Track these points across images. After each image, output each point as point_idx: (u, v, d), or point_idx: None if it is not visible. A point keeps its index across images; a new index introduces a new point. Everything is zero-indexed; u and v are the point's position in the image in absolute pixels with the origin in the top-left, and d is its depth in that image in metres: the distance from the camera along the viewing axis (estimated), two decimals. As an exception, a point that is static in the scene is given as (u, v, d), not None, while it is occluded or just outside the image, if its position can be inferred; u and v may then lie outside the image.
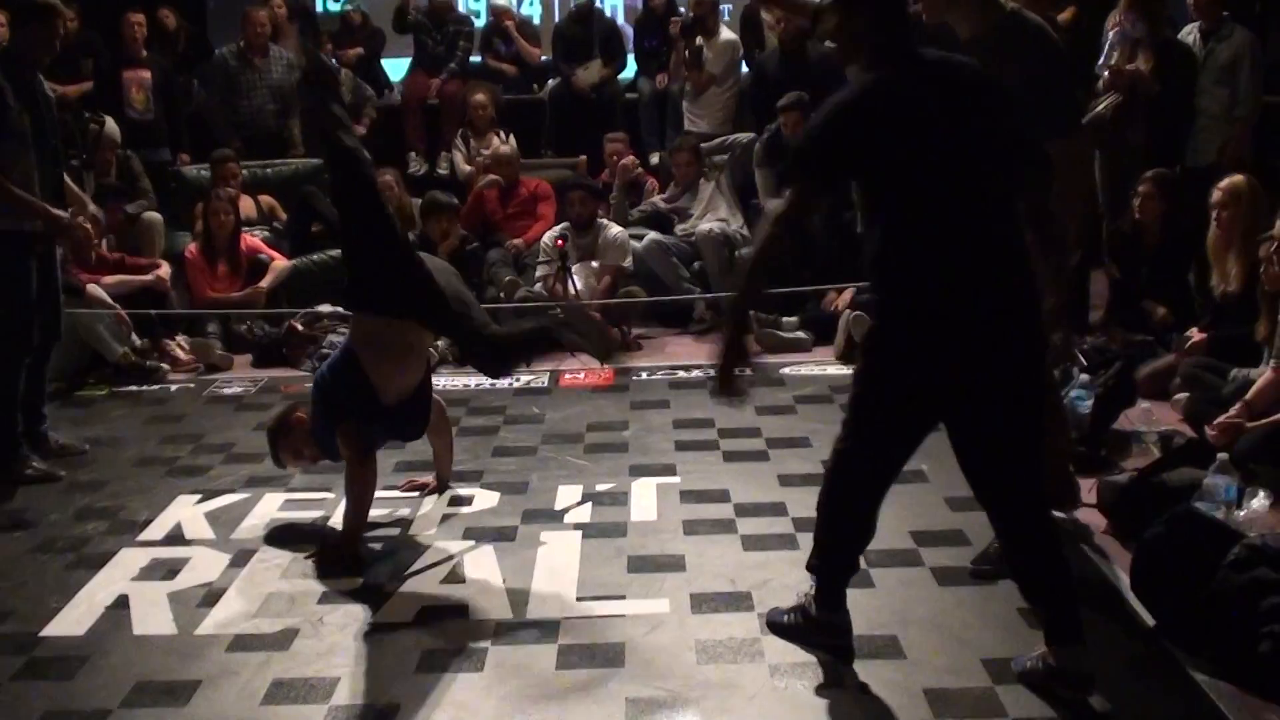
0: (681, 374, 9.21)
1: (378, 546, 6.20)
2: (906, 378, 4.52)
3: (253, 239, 10.60)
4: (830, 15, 4.66)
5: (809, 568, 5.00)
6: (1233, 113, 9.66)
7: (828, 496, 4.89)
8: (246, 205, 11.26)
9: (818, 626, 4.96)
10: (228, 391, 9.07)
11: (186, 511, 6.73)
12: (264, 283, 10.38)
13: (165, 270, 10.11)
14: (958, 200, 4.36)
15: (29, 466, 7.24)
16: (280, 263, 10.57)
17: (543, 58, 13.95)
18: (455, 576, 5.84)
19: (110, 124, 11.05)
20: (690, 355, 9.81)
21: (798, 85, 11.00)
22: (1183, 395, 7.48)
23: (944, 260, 4.36)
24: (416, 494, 6.84)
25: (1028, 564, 4.63)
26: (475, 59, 13.72)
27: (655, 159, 12.39)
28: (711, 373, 4.95)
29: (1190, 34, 9.82)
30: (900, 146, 4.37)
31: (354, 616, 5.44)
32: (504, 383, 8.84)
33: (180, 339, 9.92)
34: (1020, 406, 4.51)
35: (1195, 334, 7.93)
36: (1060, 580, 4.56)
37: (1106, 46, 9.54)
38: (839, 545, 4.94)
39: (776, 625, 5.11)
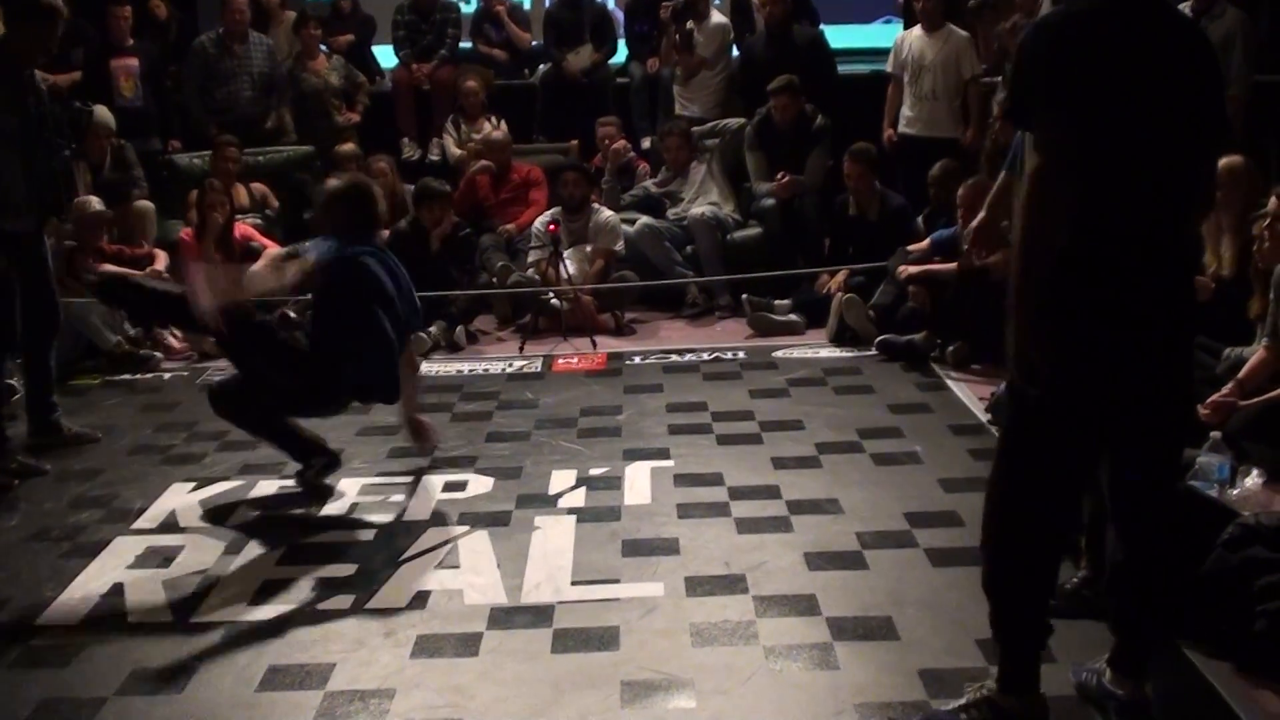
0: (674, 358, 9.22)
1: (371, 533, 6.21)
2: (1074, 379, 3.91)
3: (246, 227, 10.58)
4: None
5: (996, 649, 4.30)
6: (1225, 92, 9.65)
7: (1004, 569, 4.19)
8: (239, 193, 11.24)
9: (1013, 717, 4.21)
10: (221, 379, 9.03)
11: (181, 499, 6.74)
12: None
13: (162, 261, 10.10)
14: (1144, 171, 3.86)
15: (14, 460, 7.23)
16: (272, 250, 10.55)
17: (533, 43, 13.93)
18: (450, 562, 5.83)
19: (102, 111, 11.05)
20: (683, 339, 9.81)
21: (784, 67, 11.02)
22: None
23: (1114, 240, 3.84)
24: None
25: (1141, 584, 4.27)
26: (465, 44, 13.71)
27: (646, 143, 12.38)
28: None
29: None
30: (1098, 90, 3.78)
31: (349, 603, 5.44)
32: (497, 368, 8.85)
33: (173, 328, 9.90)
34: (1176, 412, 4.13)
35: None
36: (1158, 614, 4.36)
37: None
38: (1028, 606, 4.21)
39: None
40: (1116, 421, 4.01)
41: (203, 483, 6.97)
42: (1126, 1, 3.87)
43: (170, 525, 6.42)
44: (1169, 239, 3.93)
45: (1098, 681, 4.39)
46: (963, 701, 4.30)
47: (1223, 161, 7.80)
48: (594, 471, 6.91)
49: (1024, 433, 4.06)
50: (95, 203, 10.05)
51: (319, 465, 6.81)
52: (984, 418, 7.44)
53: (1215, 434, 5.95)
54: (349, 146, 11.73)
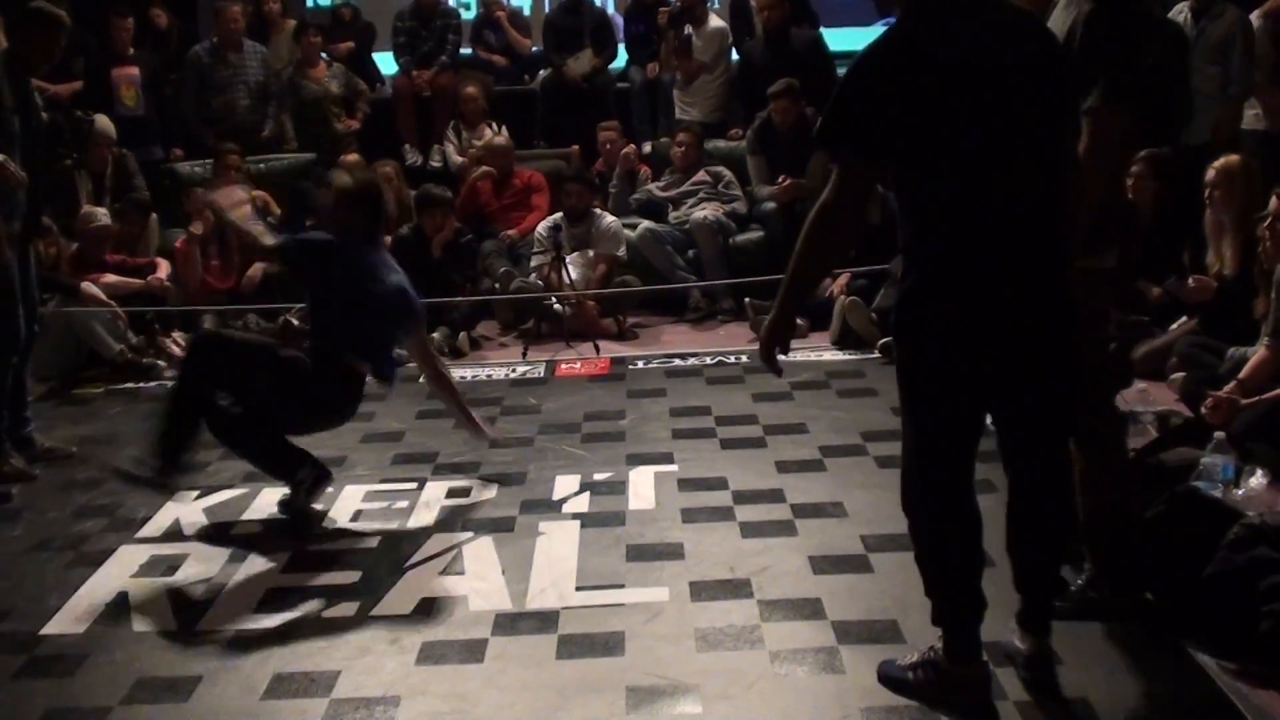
0: (678, 362, 9.22)
1: (376, 540, 6.21)
2: (945, 367, 4.18)
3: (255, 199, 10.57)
4: None
5: (934, 622, 4.51)
6: (1226, 91, 9.65)
7: (921, 536, 4.49)
8: (241, 200, 11.25)
9: (952, 682, 4.46)
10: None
11: (185, 508, 6.74)
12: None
13: (164, 270, 10.11)
14: (994, 174, 3.99)
15: (5, 464, 7.23)
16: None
17: (533, 48, 13.95)
18: (454, 568, 5.84)
19: (103, 121, 11.05)
20: (686, 343, 9.81)
21: (784, 71, 11.03)
22: (1179, 375, 7.48)
23: (976, 242, 4.02)
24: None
25: (1034, 553, 4.50)
26: (466, 51, 13.72)
27: (648, 147, 12.38)
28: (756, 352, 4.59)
29: (1181, 13, 9.79)
30: (934, 108, 3.93)
31: (353, 610, 5.44)
32: (500, 373, 8.86)
33: (176, 335, 9.91)
34: (1056, 397, 4.28)
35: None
36: (1055, 570, 4.59)
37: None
38: (953, 581, 4.44)
39: (897, 682, 4.59)
40: (997, 398, 4.30)
41: (206, 491, 6.96)
42: (950, 12, 4.03)
43: (174, 534, 6.43)
44: (1037, 228, 4.09)
45: (1008, 639, 4.58)
46: (913, 659, 4.58)
47: (1221, 161, 7.83)
48: (598, 476, 6.91)
49: (915, 412, 4.40)
50: (101, 215, 10.06)
51: (308, 480, 6.58)
52: (987, 420, 7.41)
53: (1219, 434, 5.94)
54: (353, 157, 11.72)
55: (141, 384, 9.25)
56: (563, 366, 9.19)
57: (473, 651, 5.04)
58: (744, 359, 9.19)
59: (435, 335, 9.56)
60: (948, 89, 3.93)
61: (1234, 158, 7.91)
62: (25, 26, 7.16)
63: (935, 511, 4.42)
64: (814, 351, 9.31)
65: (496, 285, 10.43)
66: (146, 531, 6.47)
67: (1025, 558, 4.51)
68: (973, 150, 3.97)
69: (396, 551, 6.05)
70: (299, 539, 6.25)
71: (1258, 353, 6.62)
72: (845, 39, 14.44)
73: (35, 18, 7.14)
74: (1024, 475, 4.43)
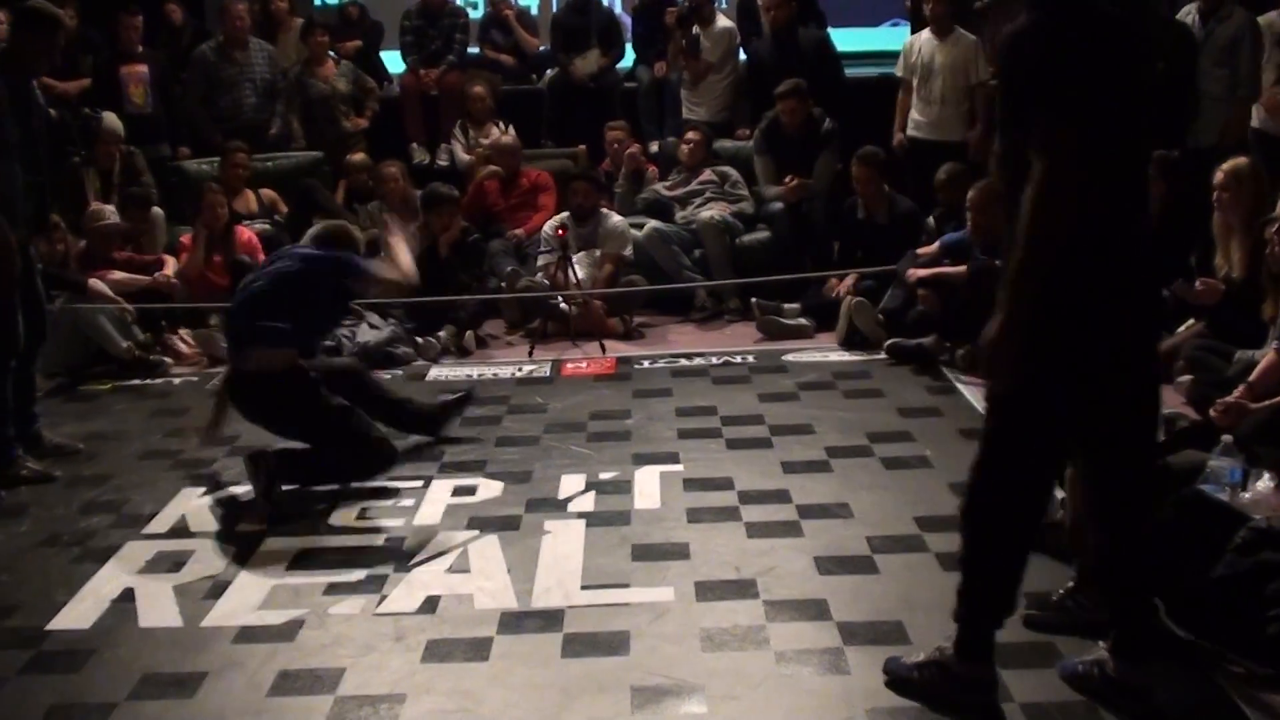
0: (684, 362, 9.21)
1: (381, 538, 6.21)
2: (1072, 366, 4.08)
3: (252, 234, 10.56)
4: None
5: (956, 618, 4.48)
6: (1234, 93, 9.65)
7: (984, 540, 4.40)
8: (248, 199, 11.26)
9: (960, 682, 4.46)
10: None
11: (191, 504, 6.75)
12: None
13: (171, 267, 10.12)
14: (1131, 157, 4.03)
15: (24, 467, 7.22)
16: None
17: (541, 48, 13.94)
18: (460, 566, 5.84)
19: (111, 118, 11.05)
20: (692, 343, 9.81)
21: (791, 71, 11.02)
22: (1187, 378, 7.48)
23: (1125, 238, 3.99)
24: None
25: (1125, 564, 4.39)
26: (473, 50, 13.71)
27: (655, 147, 12.37)
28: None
29: (1189, 14, 9.80)
30: (1107, 87, 3.92)
31: (359, 607, 5.45)
32: (506, 372, 8.87)
33: (183, 332, 9.92)
34: (1153, 394, 4.29)
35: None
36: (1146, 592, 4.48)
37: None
38: (998, 583, 4.42)
39: (901, 681, 4.60)
40: (1097, 413, 4.18)
41: (213, 488, 6.98)
42: (1093, 9, 4.01)
43: (181, 530, 6.43)
44: (1143, 230, 4.11)
45: (1100, 672, 4.47)
46: (920, 659, 4.56)
47: (1229, 163, 7.82)
48: (603, 476, 6.91)
49: (1007, 426, 4.23)
50: (109, 213, 10.07)
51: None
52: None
53: (1226, 437, 5.93)
54: (359, 156, 11.73)
55: (149, 380, 9.24)
56: (569, 366, 9.18)
57: (478, 650, 5.04)
58: (750, 359, 9.19)
59: (442, 334, 9.57)
60: (1114, 79, 3.95)
61: (1242, 160, 7.91)
62: (22, 26, 7.14)
63: (1013, 519, 4.37)
64: (820, 352, 9.30)
65: (503, 284, 10.43)
66: (153, 528, 6.47)
67: (1120, 585, 4.44)
68: (1119, 147, 4.00)
69: (402, 549, 6.06)
70: (305, 536, 6.26)
71: (1266, 356, 6.61)
72: (852, 39, 14.49)
73: (33, 17, 7.12)
74: (1121, 495, 4.37)
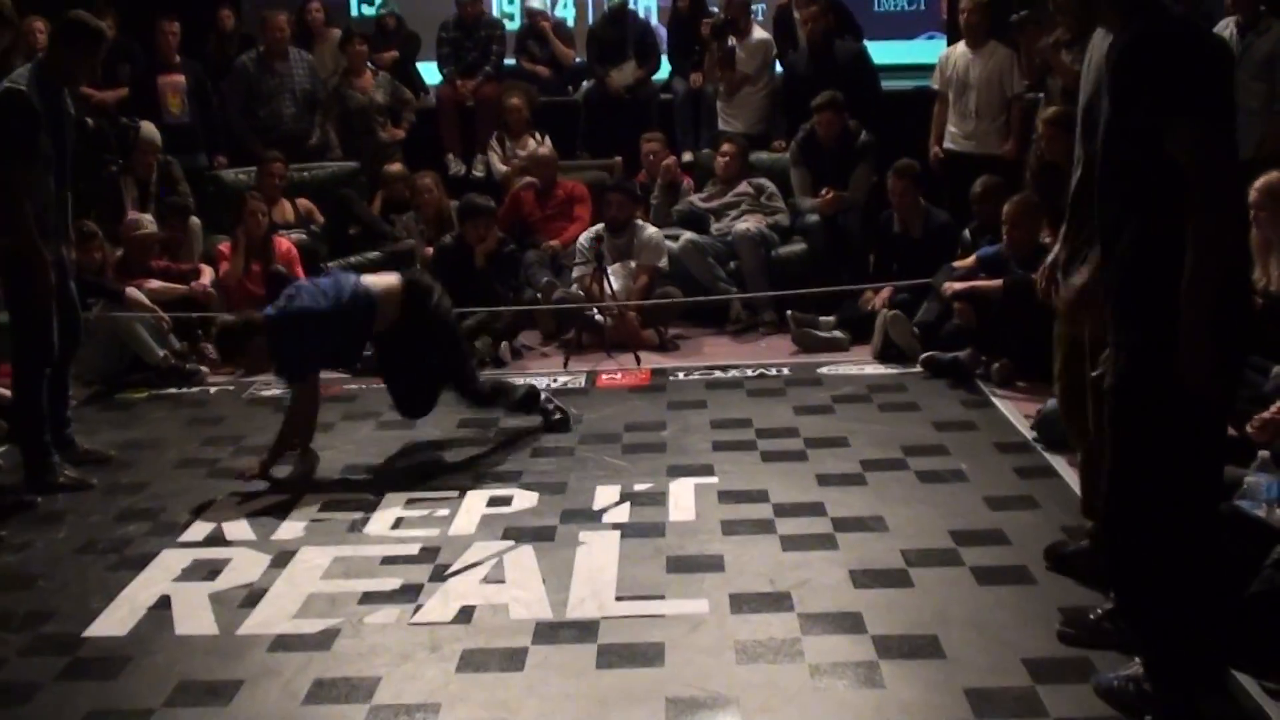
0: (718, 374, 9.20)
1: (417, 548, 6.22)
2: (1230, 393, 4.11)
3: (289, 243, 10.60)
4: None
5: (1175, 672, 4.31)
6: (1271, 107, 9.59)
7: (1178, 576, 4.19)
8: (284, 208, 11.30)
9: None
10: (266, 394, 9.09)
11: (227, 512, 6.78)
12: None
13: (208, 276, 10.15)
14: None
15: (62, 474, 7.26)
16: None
17: (577, 59, 13.97)
18: (495, 577, 5.85)
19: (148, 127, 11.10)
20: (727, 355, 9.81)
21: (827, 83, 11.01)
22: (1223, 393, 7.43)
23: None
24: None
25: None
26: (509, 61, 13.75)
27: (689, 158, 12.37)
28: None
29: (1227, 28, 9.75)
30: (1228, 93, 3.99)
31: (394, 616, 5.46)
32: (541, 383, 8.87)
33: (219, 341, 9.95)
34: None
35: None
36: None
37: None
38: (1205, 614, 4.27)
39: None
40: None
41: (249, 496, 7.00)
42: (1193, 22, 4.12)
43: (216, 538, 6.46)
44: None
45: (1135, 688, 4.43)
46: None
47: (1264, 178, 7.76)
48: (638, 487, 6.91)
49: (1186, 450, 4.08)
50: (147, 222, 10.12)
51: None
52: (1029, 435, 7.40)
53: (1264, 453, 5.90)
54: (396, 166, 11.77)
55: (184, 389, 9.27)
56: (604, 377, 9.18)
57: (513, 660, 5.05)
58: (785, 371, 9.18)
59: (478, 344, 9.57)
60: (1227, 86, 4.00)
61: (1274, 175, 7.85)
62: (64, 38, 7.09)
63: (1201, 545, 4.24)
64: (855, 365, 9.28)
65: (539, 295, 10.44)
66: (189, 536, 6.50)
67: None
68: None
69: (437, 559, 6.06)
70: (340, 544, 6.27)
71: (1304, 371, 6.58)
72: (888, 51, 14.48)
73: (75, 30, 7.08)
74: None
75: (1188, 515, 4.14)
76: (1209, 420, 4.10)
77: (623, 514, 6.56)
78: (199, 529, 6.58)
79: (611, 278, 10.03)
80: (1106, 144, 4.08)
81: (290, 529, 6.52)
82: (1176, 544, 4.15)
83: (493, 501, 6.80)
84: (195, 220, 10.87)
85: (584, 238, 10.64)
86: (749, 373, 9.17)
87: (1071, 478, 6.47)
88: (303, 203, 11.59)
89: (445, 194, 11.46)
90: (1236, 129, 4.00)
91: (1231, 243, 3.89)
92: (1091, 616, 4.97)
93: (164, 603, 5.69)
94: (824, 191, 10.79)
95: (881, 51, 13.33)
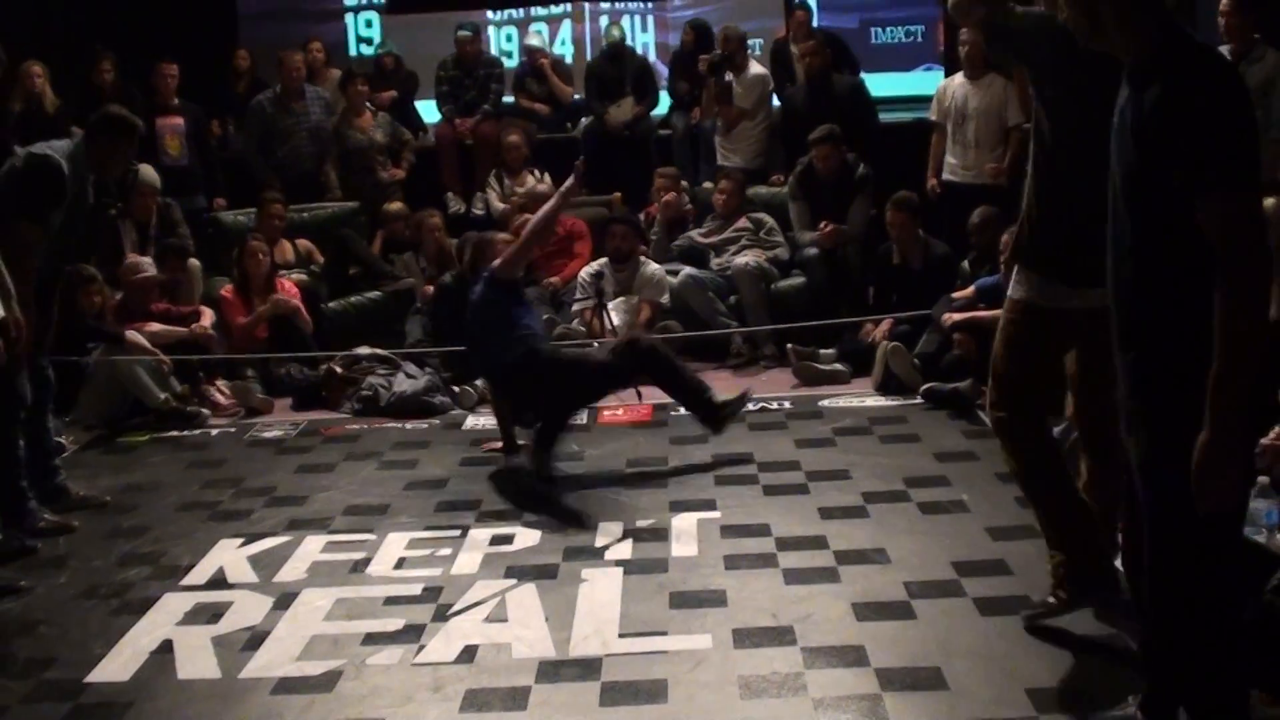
0: (720, 408, 9.19)
1: (419, 587, 6.21)
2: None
3: (291, 284, 10.62)
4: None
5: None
6: (1267, 134, 9.60)
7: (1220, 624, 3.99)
8: (284, 249, 11.32)
9: None
10: (268, 435, 9.10)
11: (229, 555, 6.76)
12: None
13: (209, 318, 10.16)
14: None
15: (41, 519, 7.23)
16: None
17: (576, 96, 14.01)
18: (497, 615, 5.84)
19: (148, 170, 11.12)
20: (728, 389, 9.77)
21: (825, 117, 11.04)
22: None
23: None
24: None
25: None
26: (508, 99, 13.79)
27: (686, 197, 12.38)
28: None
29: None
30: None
31: (397, 657, 5.45)
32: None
33: (220, 383, 9.95)
34: None
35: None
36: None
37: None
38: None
39: None
40: None
41: (250, 539, 6.98)
42: (1222, 59, 3.98)
43: (218, 581, 6.44)
44: None
45: None
46: None
47: (1268, 201, 7.76)
48: (640, 523, 6.90)
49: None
50: (147, 265, 10.13)
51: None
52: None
53: (1263, 479, 5.89)
54: (397, 205, 11.80)
55: (186, 432, 9.26)
56: (605, 413, 9.17)
57: (516, 699, 5.04)
58: (786, 404, 9.18)
59: (478, 382, 9.57)
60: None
61: (1270, 200, 7.85)
62: (102, 131, 7.19)
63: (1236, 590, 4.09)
64: (856, 398, 9.28)
65: (539, 332, 10.44)
66: (191, 579, 6.48)
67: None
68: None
69: (439, 598, 6.05)
70: (342, 586, 6.27)
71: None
72: (885, 83, 14.53)
73: (112, 123, 7.23)
74: None
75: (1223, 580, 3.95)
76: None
77: (625, 550, 6.55)
78: (200, 572, 6.56)
79: (612, 313, 10.03)
80: (1127, 189, 3.88)
81: (292, 570, 6.51)
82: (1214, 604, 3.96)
83: (495, 540, 6.79)
84: (195, 262, 10.88)
85: (585, 272, 10.66)
86: (750, 406, 9.16)
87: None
88: (303, 243, 11.61)
89: (446, 233, 11.48)
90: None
91: (1262, 339, 3.60)
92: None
93: (166, 647, 5.68)
94: (823, 225, 10.80)
95: (879, 83, 13.39)
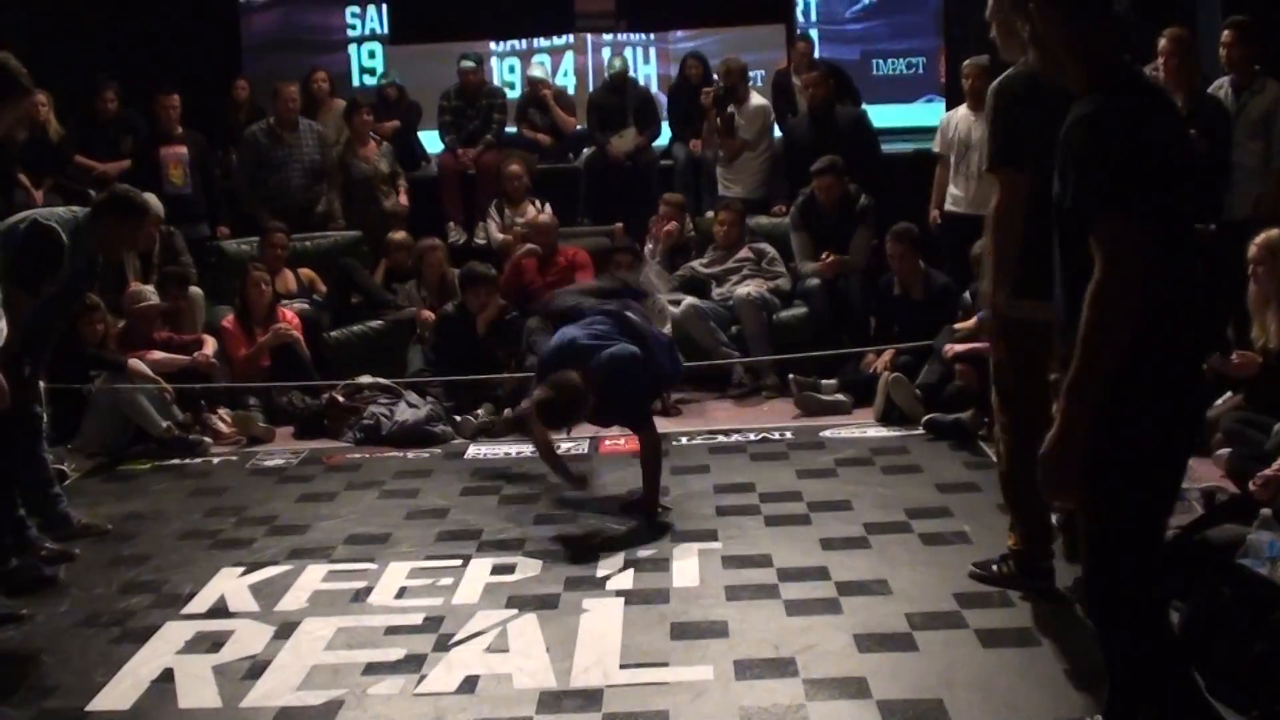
0: (721, 438, 9.20)
1: (420, 617, 6.20)
2: (1177, 439, 4.05)
3: (292, 314, 10.63)
4: (1040, 22, 4.10)
5: None
6: (1267, 165, 9.62)
7: (1146, 636, 4.09)
8: (287, 278, 11.34)
9: None
10: (270, 464, 9.10)
11: (230, 584, 6.76)
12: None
13: (211, 346, 10.16)
14: (1191, 242, 4.02)
15: (42, 548, 7.23)
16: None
17: (578, 127, 14.04)
18: (498, 645, 5.83)
19: (152, 199, 11.12)
20: (730, 419, 9.81)
21: (827, 148, 11.06)
22: (1225, 450, 7.45)
23: (1188, 299, 3.96)
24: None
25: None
26: (510, 129, 13.83)
27: (690, 223, 12.39)
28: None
29: (1221, 88, 9.79)
30: (1173, 175, 3.89)
31: (398, 687, 5.45)
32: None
33: (222, 412, 9.95)
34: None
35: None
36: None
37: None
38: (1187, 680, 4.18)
39: None
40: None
41: (252, 567, 6.98)
42: (1154, 91, 4.11)
43: (220, 610, 6.44)
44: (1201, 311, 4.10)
45: None
46: None
47: (1264, 235, 7.79)
48: (642, 553, 6.90)
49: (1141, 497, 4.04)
50: (150, 294, 10.14)
51: None
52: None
53: (1266, 511, 5.90)
54: (400, 235, 11.81)
55: (188, 460, 9.26)
56: (606, 443, 9.17)
57: (517, 730, 5.04)
58: (788, 435, 9.18)
59: (479, 412, 9.58)
60: (1175, 167, 3.93)
61: (1275, 232, 7.87)
62: (109, 211, 7.20)
63: (1158, 604, 4.18)
64: (858, 428, 9.28)
65: (541, 362, 10.44)
66: (192, 608, 6.48)
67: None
68: (1189, 225, 4.06)
69: (440, 629, 6.04)
70: (343, 615, 6.26)
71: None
72: (887, 115, 14.58)
73: (120, 204, 7.24)
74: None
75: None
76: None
77: (626, 580, 6.54)
78: (202, 601, 6.56)
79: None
80: (1058, 210, 4.05)
81: (293, 600, 6.51)
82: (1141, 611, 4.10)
83: (496, 570, 6.79)
84: (197, 290, 10.89)
85: (587, 303, 10.67)
86: (751, 437, 9.17)
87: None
88: (305, 272, 11.62)
89: (448, 262, 11.49)
90: (1190, 211, 4.08)
91: (1118, 349, 3.80)
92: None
93: (167, 676, 5.67)
94: (824, 255, 10.82)
95: (880, 115, 13.44)
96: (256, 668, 5.71)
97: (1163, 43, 9.37)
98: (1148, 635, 4.04)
